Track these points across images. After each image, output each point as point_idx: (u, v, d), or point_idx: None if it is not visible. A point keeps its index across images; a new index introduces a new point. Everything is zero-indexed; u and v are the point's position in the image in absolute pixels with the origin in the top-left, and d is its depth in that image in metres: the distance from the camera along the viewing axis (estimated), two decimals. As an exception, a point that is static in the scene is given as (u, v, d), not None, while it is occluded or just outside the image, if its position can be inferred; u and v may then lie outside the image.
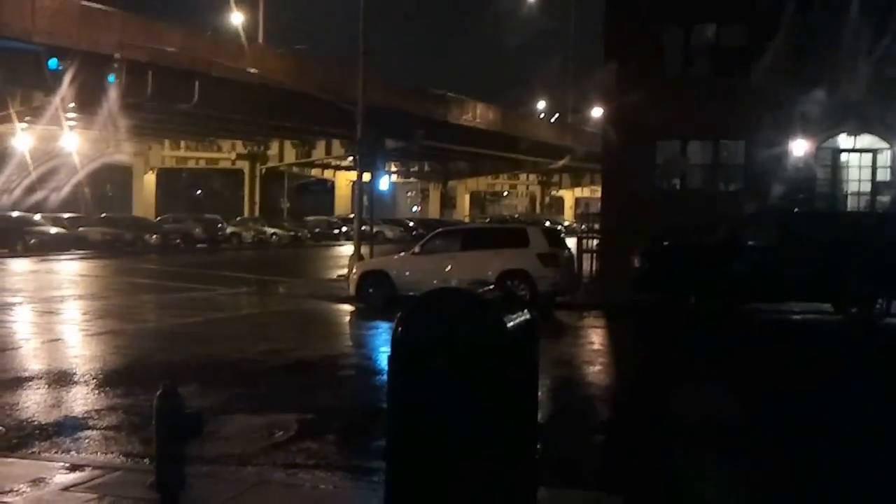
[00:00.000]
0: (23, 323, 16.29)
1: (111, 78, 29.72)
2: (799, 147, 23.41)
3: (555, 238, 19.49)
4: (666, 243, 18.74)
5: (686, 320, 16.37)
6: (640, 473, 6.85)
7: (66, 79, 30.83)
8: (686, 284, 16.93)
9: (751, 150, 23.39)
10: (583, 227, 41.58)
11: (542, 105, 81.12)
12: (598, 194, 29.55)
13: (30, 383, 9.96)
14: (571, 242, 22.69)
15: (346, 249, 33.55)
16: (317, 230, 56.91)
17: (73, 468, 6.48)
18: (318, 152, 59.69)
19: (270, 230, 52.29)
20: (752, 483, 6.45)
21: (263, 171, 61.19)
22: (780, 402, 9.26)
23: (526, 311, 5.24)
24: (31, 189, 40.10)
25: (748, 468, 6.78)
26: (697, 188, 24.07)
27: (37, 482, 6.11)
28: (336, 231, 56.59)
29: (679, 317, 16.56)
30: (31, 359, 12.11)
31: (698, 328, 15.79)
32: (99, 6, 34.51)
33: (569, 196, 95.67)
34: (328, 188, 73.19)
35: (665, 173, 24.53)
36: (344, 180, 68.69)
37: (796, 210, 21.42)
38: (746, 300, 17.42)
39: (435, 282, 16.46)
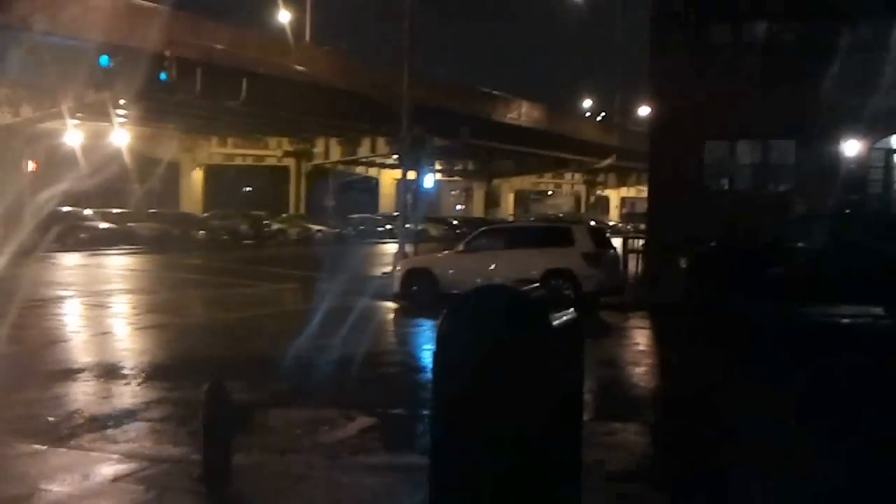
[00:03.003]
0: (73, 316, 16.58)
1: (163, 76, 30.09)
2: (851, 147, 22.99)
3: (600, 237, 19.34)
4: (713, 244, 18.51)
5: (733, 323, 16.14)
6: (683, 475, 6.76)
7: (117, 76, 31.29)
8: (733, 286, 16.70)
9: (801, 151, 23.01)
10: (629, 226, 41.12)
11: (588, 104, 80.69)
12: (645, 194, 29.31)
13: (79, 376, 10.12)
14: (617, 242, 22.52)
15: (391, 247, 33.66)
16: (361, 228, 57.15)
17: (122, 460, 6.57)
18: (364, 150, 60.00)
19: (315, 227, 52.61)
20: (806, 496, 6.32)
21: (309, 168, 61.63)
22: (831, 408, 9.07)
23: (571, 309, 5.19)
24: (80, 184, 40.80)
25: (801, 478, 6.63)
26: (746, 189, 23.75)
27: (86, 473, 6.20)
28: (380, 229, 56.80)
29: (726, 319, 16.34)
30: (81, 351, 12.32)
31: (745, 331, 15.56)
32: (148, 4, 34.99)
33: (614, 196, 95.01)
34: (372, 186, 73.46)
35: (713, 173, 24.22)
36: (388, 178, 68.90)
37: (847, 211, 21.03)
38: (795, 303, 17.14)
39: (479, 280, 16.38)
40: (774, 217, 19.60)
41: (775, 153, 23.76)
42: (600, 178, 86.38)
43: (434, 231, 53.64)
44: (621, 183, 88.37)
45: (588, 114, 78.04)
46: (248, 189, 71.45)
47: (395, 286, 19.14)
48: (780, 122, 22.34)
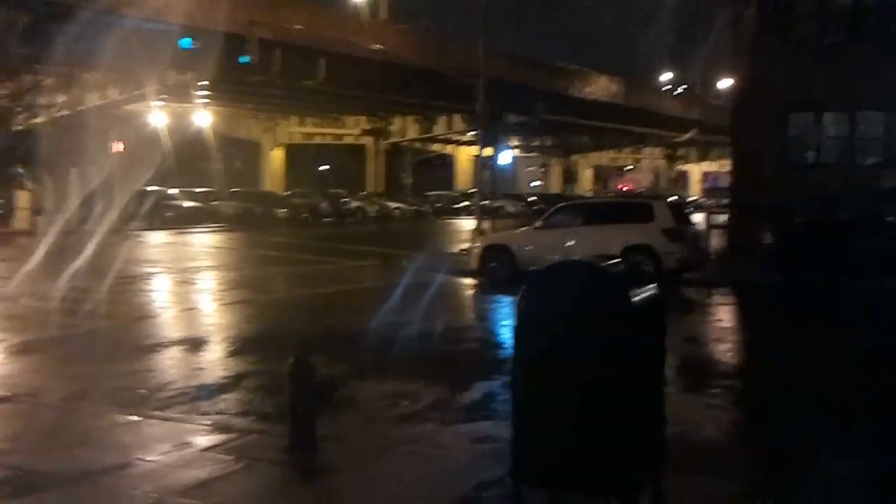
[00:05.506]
0: (161, 292, 17.08)
1: (244, 58, 30.59)
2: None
3: (680, 213, 19.03)
4: (798, 219, 18.09)
5: (819, 299, 15.76)
6: (769, 456, 6.67)
7: (198, 57, 31.91)
8: (819, 261, 16.29)
9: (891, 122, 22.24)
10: (710, 201, 40.29)
11: (668, 77, 79.08)
12: (727, 168, 28.74)
13: (169, 349, 10.45)
14: (699, 217, 22.15)
15: (468, 224, 33.73)
16: (438, 205, 57.40)
17: (211, 430, 6.78)
18: (440, 127, 60.06)
19: (393, 205, 53.00)
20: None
21: (386, 146, 62.01)
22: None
23: (653, 285, 5.16)
24: (165, 164, 41.83)
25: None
26: (833, 162, 23.06)
27: (178, 443, 6.42)
28: (457, 206, 56.91)
29: (811, 295, 15.96)
30: (170, 326, 12.71)
31: (831, 307, 15.18)
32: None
33: (695, 170, 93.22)
34: (448, 163, 73.51)
35: (798, 146, 23.58)
36: (465, 155, 68.85)
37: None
38: (883, 278, 16.64)
39: (557, 256, 16.25)
40: (862, 191, 19.01)
41: (863, 125, 22.99)
42: (681, 152, 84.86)
43: (511, 207, 53.54)
44: (702, 157, 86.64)
45: (668, 87, 76.50)
46: (326, 167, 72.21)
47: (473, 263, 19.18)
48: (868, 93, 21.60)
